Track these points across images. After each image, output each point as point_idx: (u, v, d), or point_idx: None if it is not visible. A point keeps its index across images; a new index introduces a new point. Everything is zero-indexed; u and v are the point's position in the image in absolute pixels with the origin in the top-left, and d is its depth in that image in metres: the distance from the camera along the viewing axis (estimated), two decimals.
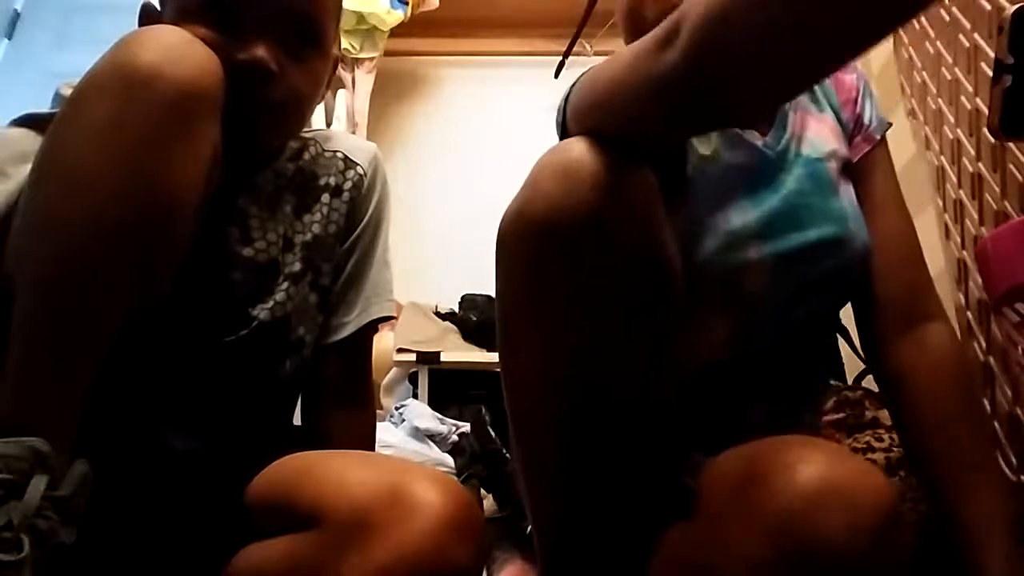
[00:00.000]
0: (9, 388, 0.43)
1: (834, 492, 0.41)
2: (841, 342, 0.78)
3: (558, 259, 0.50)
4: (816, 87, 0.70)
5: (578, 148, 0.50)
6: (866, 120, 0.71)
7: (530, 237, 0.51)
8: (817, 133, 0.68)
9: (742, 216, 0.61)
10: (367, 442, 0.66)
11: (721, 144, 0.64)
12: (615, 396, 0.53)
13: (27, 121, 0.56)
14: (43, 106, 0.61)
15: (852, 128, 0.71)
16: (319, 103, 0.68)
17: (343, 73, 1.96)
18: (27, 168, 0.48)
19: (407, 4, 1.98)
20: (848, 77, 0.73)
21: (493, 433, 1.15)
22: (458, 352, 1.79)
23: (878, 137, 0.71)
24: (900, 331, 0.64)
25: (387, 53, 2.05)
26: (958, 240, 0.88)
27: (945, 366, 0.62)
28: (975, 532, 0.56)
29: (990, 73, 0.56)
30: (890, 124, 0.72)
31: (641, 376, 0.53)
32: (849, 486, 0.42)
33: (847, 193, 0.66)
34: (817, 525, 0.41)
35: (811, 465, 0.43)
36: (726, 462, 0.49)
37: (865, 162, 0.69)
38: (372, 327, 0.66)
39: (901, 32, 1.06)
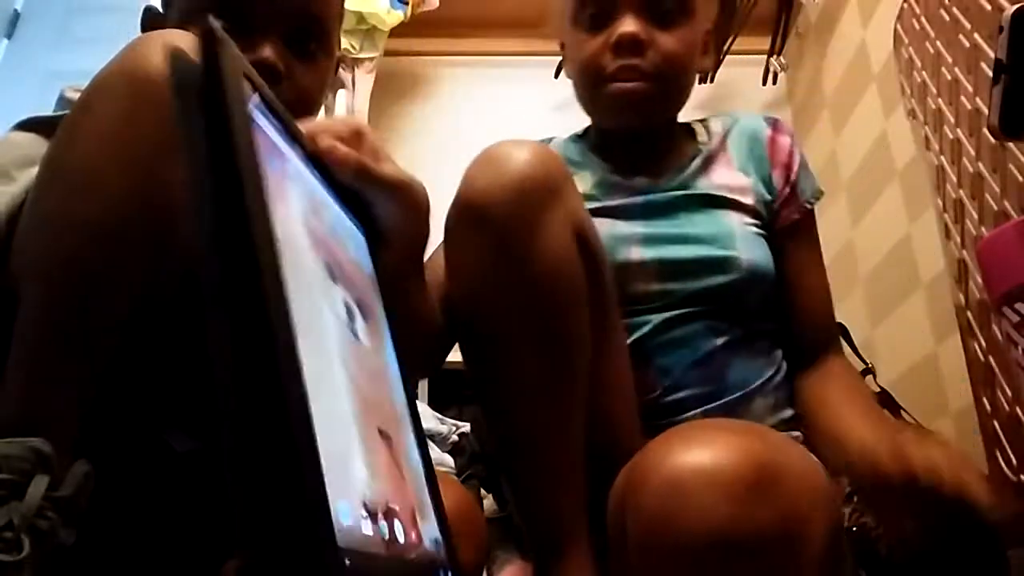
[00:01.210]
0: (11, 389, 0.43)
1: (692, 474, 0.44)
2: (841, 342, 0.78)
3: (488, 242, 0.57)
4: (747, 147, 0.78)
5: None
6: (799, 190, 0.77)
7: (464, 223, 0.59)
8: (721, 178, 0.76)
9: (629, 227, 0.71)
10: None
11: (599, 191, 0.75)
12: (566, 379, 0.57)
13: (31, 124, 0.56)
14: (43, 106, 0.61)
15: (784, 191, 0.77)
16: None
17: (343, 73, 1.96)
18: (32, 172, 0.48)
19: (407, 4, 1.97)
20: (783, 139, 0.79)
21: None
22: (458, 352, 1.79)
23: (808, 207, 0.78)
24: (812, 362, 0.74)
25: (387, 53, 2.05)
26: (958, 240, 0.88)
27: (844, 379, 0.73)
28: (843, 421, 0.65)
29: (990, 73, 0.56)
30: (822, 194, 0.79)
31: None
32: (709, 463, 0.44)
33: (740, 220, 0.73)
34: (675, 513, 0.43)
35: (670, 455, 0.45)
36: (627, 469, 0.51)
37: (794, 228, 0.77)
38: None
39: (901, 32, 1.06)
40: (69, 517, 0.42)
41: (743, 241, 0.71)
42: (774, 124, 0.79)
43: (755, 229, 0.73)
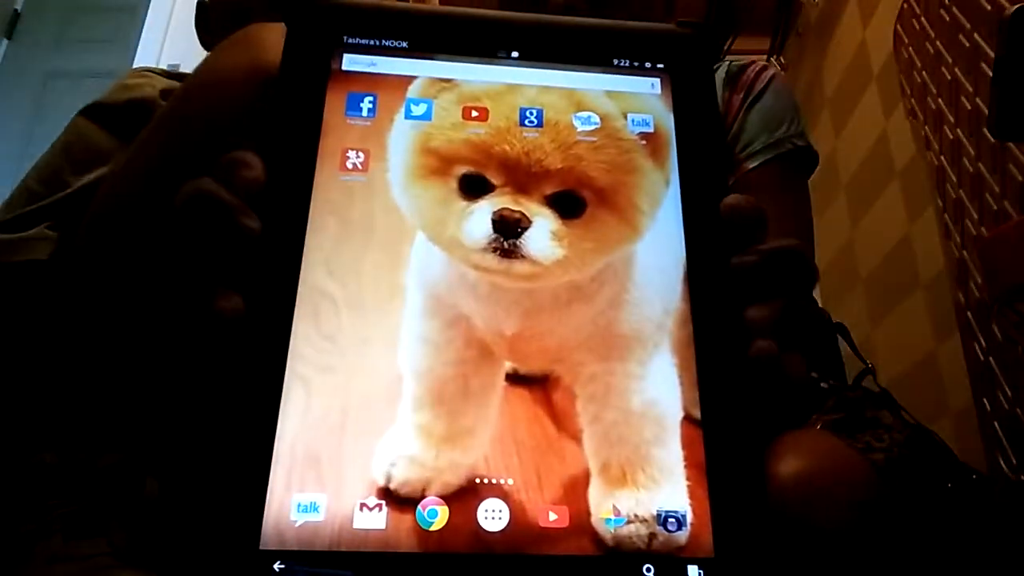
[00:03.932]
0: None
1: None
2: (841, 342, 0.78)
3: None
4: None
5: None
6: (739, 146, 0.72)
7: None
8: None
9: None
10: None
11: None
12: None
13: (98, 112, 0.58)
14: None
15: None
16: None
17: None
18: (92, 176, 0.50)
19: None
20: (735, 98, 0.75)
21: None
22: None
23: (750, 167, 0.72)
24: None
25: None
26: (958, 240, 0.88)
27: None
28: None
29: (990, 73, 0.56)
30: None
31: None
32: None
33: None
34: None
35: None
36: None
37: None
38: None
39: (901, 32, 1.06)
40: None
41: None
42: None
43: None
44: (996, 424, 0.77)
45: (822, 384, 0.74)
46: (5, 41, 2.26)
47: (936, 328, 1.17)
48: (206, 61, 0.50)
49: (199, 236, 0.30)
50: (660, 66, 0.39)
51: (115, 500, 0.47)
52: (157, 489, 0.44)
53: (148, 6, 2.20)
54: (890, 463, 0.77)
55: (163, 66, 0.85)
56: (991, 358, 0.81)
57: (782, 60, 1.92)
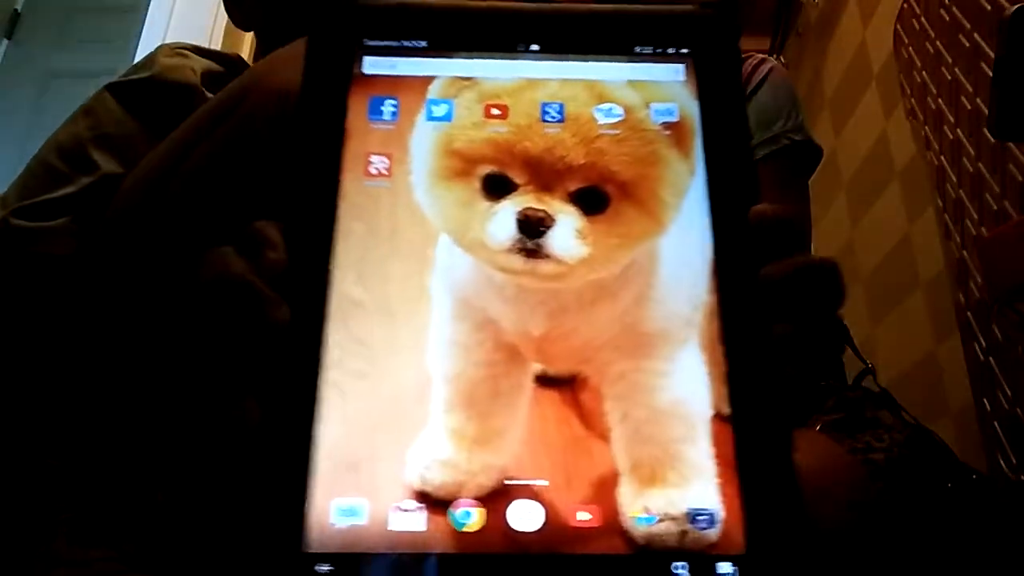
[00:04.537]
0: None
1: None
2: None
3: None
4: None
5: None
6: None
7: None
8: None
9: None
10: None
11: None
12: None
13: (124, 89, 0.58)
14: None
15: None
16: None
17: None
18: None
19: None
20: None
21: None
22: None
23: None
24: None
25: None
26: (958, 240, 0.88)
27: None
28: None
29: (990, 73, 0.56)
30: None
31: None
32: None
33: None
34: None
35: None
36: None
37: None
38: None
39: (901, 32, 1.06)
40: None
41: None
42: None
43: None
44: (996, 424, 0.78)
45: (821, 383, 0.74)
46: (5, 41, 2.27)
47: (936, 328, 1.17)
48: (269, 72, 0.49)
49: (227, 325, 0.30)
50: (684, 51, 0.38)
51: (125, 507, 0.47)
52: (166, 497, 0.44)
53: (148, 6, 2.20)
54: (890, 463, 0.77)
55: None
56: (991, 358, 0.81)
57: (782, 60, 1.92)
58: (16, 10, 2.32)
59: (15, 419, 0.49)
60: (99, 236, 0.50)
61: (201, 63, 0.63)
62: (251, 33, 0.77)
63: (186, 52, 0.63)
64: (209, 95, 0.59)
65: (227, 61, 0.66)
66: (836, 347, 0.33)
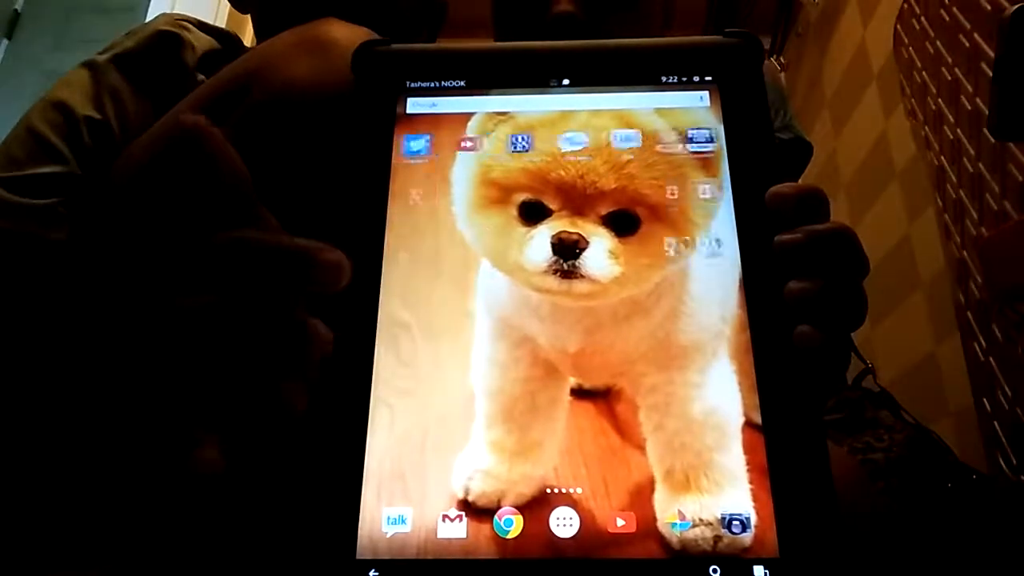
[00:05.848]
0: None
1: None
2: None
3: None
4: None
5: None
6: None
7: None
8: None
9: None
10: None
11: None
12: None
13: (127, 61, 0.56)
14: None
15: None
16: None
17: None
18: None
19: None
20: None
21: None
22: None
23: None
24: None
25: None
26: (958, 240, 0.88)
27: None
28: None
29: (990, 73, 0.56)
30: None
31: None
32: None
33: None
34: None
35: None
36: None
37: None
38: None
39: (901, 32, 1.06)
40: None
41: None
42: None
43: None
44: (996, 424, 0.77)
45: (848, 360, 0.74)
46: (5, 41, 2.26)
47: (936, 328, 1.17)
48: (270, 66, 0.46)
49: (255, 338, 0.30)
50: (708, 78, 0.40)
51: (105, 527, 0.46)
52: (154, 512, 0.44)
53: (148, 6, 2.21)
54: (890, 463, 0.77)
55: None
56: (991, 358, 0.81)
57: (782, 60, 1.92)
58: (16, 10, 2.32)
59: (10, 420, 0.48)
60: (95, 224, 0.48)
61: (204, 40, 0.61)
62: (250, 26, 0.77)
63: (187, 25, 0.61)
64: (202, 77, 0.58)
65: (227, 39, 0.65)
66: (860, 316, 0.33)
